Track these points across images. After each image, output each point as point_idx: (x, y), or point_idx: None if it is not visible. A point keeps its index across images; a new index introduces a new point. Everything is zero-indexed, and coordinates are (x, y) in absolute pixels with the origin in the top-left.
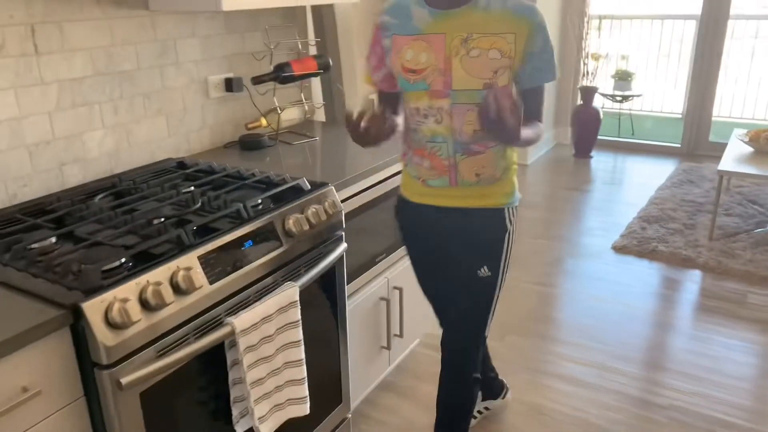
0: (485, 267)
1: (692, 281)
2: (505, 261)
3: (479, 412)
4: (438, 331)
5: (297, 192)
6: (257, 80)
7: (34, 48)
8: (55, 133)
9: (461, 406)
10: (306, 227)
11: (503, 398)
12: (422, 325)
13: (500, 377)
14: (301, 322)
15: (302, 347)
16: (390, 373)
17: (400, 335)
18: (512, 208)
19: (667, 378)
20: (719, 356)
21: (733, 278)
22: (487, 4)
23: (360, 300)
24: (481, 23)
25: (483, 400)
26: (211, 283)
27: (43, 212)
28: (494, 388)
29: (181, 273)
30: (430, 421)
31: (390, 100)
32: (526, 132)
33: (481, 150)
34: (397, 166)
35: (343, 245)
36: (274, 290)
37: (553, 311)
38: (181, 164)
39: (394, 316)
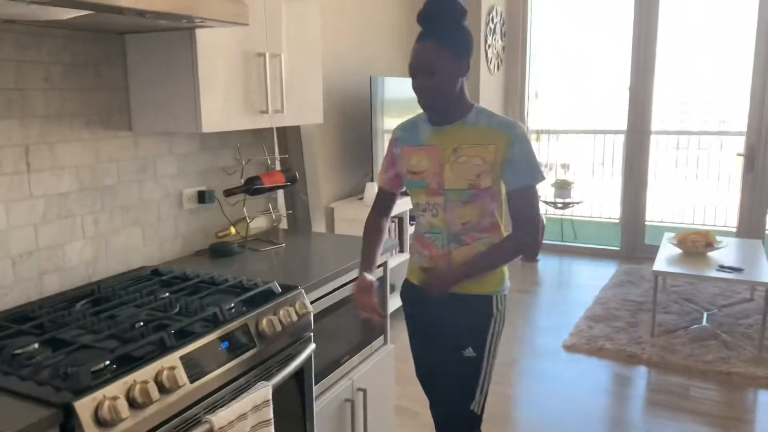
0: (470, 348)
1: (639, 377)
2: (491, 343)
3: None
4: None
5: (268, 295)
6: (229, 192)
7: (27, 166)
8: (39, 243)
9: None
10: (278, 328)
11: None
12: (386, 427)
13: None
14: (273, 420)
15: None
16: None
17: None
18: (500, 296)
19: None
20: None
21: (675, 372)
22: (476, 120)
23: (327, 401)
24: (469, 136)
25: None
26: (191, 381)
27: (26, 319)
28: None
29: (166, 372)
30: None
31: (387, 200)
32: (479, 269)
33: (469, 242)
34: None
35: (312, 345)
36: (248, 389)
37: (511, 411)
38: (155, 272)
39: (358, 418)
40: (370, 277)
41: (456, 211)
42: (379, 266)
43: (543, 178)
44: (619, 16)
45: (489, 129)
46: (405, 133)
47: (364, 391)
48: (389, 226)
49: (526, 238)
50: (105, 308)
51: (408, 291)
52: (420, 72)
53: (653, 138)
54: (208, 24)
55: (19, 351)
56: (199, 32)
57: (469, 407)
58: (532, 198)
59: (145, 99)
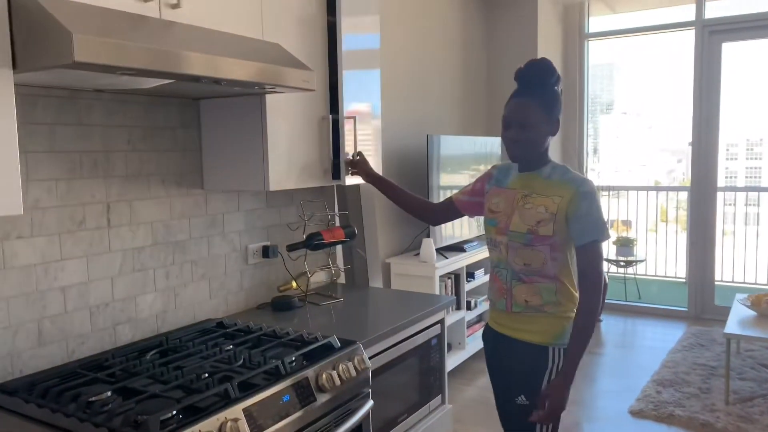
0: (523, 396)
1: None
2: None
3: None
4: None
5: (328, 349)
6: (292, 248)
7: (107, 222)
8: (115, 295)
9: None
10: (338, 383)
11: None
12: None
13: None
14: None
15: None
16: None
17: None
18: (558, 349)
19: None
20: None
21: None
22: (550, 174)
23: None
24: (541, 187)
25: None
26: None
27: (100, 368)
28: None
29: (230, 424)
30: None
31: (446, 209)
32: (579, 353)
33: (529, 281)
34: (419, 325)
35: (370, 402)
36: None
37: None
38: (220, 324)
39: None
40: (372, 171)
41: (518, 251)
42: (435, 324)
43: (608, 237)
44: (680, 67)
45: (560, 182)
46: (499, 174)
47: None
48: (428, 214)
49: (594, 294)
50: (173, 359)
51: (486, 333)
52: (515, 124)
53: (719, 194)
54: (278, 90)
55: (94, 398)
56: (269, 97)
57: None
58: (597, 255)
59: (217, 159)
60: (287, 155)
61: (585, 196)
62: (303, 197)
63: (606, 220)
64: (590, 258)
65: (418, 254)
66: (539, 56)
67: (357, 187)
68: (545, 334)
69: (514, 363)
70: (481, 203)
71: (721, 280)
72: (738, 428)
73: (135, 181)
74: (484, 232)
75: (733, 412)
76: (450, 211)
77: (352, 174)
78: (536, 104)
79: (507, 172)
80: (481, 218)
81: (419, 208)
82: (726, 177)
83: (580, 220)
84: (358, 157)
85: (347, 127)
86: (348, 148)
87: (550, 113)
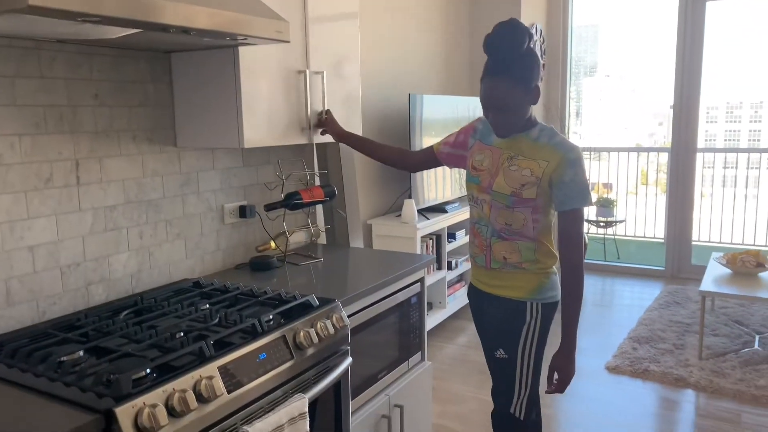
0: (501, 350)
1: (686, 401)
2: (524, 349)
3: None
4: None
5: (306, 308)
6: (269, 207)
7: (77, 180)
8: (86, 255)
9: None
10: (315, 341)
11: None
12: None
13: None
14: None
15: None
16: None
17: None
18: (535, 304)
19: None
20: None
21: (725, 397)
22: (537, 137)
23: (363, 416)
24: (527, 149)
25: None
26: (229, 392)
27: (73, 328)
28: None
29: (204, 382)
30: None
31: (425, 157)
32: (573, 318)
33: (509, 239)
34: (399, 284)
35: (349, 359)
36: (285, 401)
37: None
38: (197, 284)
39: None
40: (341, 129)
41: (500, 211)
42: (415, 282)
43: (591, 203)
44: (664, 29)
45: (547, 146)
46: (484, 129)
47: (401, 407)
48: (398, 161)
49: (575, 256)
50: (147, 318)
51: (469, 290)
52: (493, 108)
53: (699, 156)
54: (251, 41)
55: (64, 358)
56: (242, 50)
57: (509, 409)
58: (578, 220)
59: (190, 115)
60: (262, 111)
61: (572, 164)
62: (281, 156)
63: (589, 184)
64: (572, 222)
65: (400, 215)
66: (522, 15)
67: (336, 145)
68: (522, 289)
69: (494, 318)
70: (464, 156)
71: (698, 240)
72: (710, 382)
73: (104, 137)
74: (465, 188)
75: (706, 367)
76: (429, 161)
77: (322, 134)
78: (512, 82)
79: (490, 128)
80: (463, 179)
81: (397, 156)
82: (705, 140)
83: (564, 186)
84: (326, 116)
85: (316, 83)
86: (318, 105)
87: (527, 86)
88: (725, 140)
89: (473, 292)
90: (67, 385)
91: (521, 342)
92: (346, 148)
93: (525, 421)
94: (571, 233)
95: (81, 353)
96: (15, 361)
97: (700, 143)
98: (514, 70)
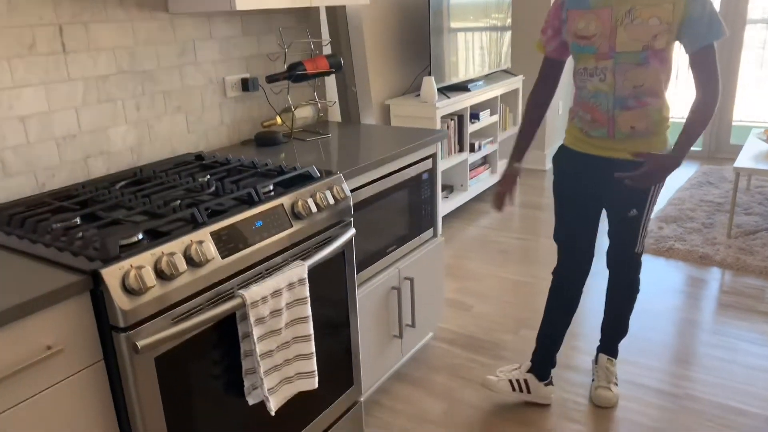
0: (634, 209)
1: (712, 278)
2: (650, 202)
3: (517, 381)
4: (450, 325)
5: (307, 179)
6: (271, 79)
7: (62, 47)
8: (82, 127)
9: (628, 300)
10: (314, 210)
11: (545, 385)
12: (435, 317)
13: (551, 376)
14: (309, 299)
15: (310, 323)
16: (404, 365)
17: (413, 325)
18: None
19: (684, 370)
20: (737, 349)
21: (752, 274)
22: None
23: (371, 288)
24: None
25: (528, 371)
26: (222, 257)
27: (69, 197)
28: (544, 371)
29: (194, 246)
30: (443, 409)
31: (555, 70)
32: (685, 146)
33: (637, 106)
34: (408, 158)
35: (352, 230)
36: (283, 268)
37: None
38: (198, 157)
39: (405, 306)
40: (519, 166)
41: (627, 74)
42: (427, 158)
43: (725, 34)
44: None
45: None
46: None
47: (411, 279)
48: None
49: (713, 98)
50: (143, 188)
51: (565, 156)
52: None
53: (748, 27)
54: None
55: (58, 225)
56: None
57: (634, 251)
58: (713, 57)
59: None
60: None
61: None
62: (283, 22)
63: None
64: (711, 60)
65: (419, 95)
66: None
67: (343, 9)
68: (653, 150)
69: (623, 183)
70: (566, 39)
71: (740, 121)
72: (737, 260)
73: (88, 0)
74: (574, 63)
75: (734, 245)
76: (559, 69)
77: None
78: None
79: None
80: (490, 55)
81: (546, 98)
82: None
83: (695, 24)
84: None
85: None
86: None
87: None
88: None
89: (581, 159)
90: (59, 249)
91: (650, 198)
92: (353, 16)
93: (642, 252)
94: (710, 71)
95: (77, 220)
96: (11, 228)
97: (753, 13)
98: None
